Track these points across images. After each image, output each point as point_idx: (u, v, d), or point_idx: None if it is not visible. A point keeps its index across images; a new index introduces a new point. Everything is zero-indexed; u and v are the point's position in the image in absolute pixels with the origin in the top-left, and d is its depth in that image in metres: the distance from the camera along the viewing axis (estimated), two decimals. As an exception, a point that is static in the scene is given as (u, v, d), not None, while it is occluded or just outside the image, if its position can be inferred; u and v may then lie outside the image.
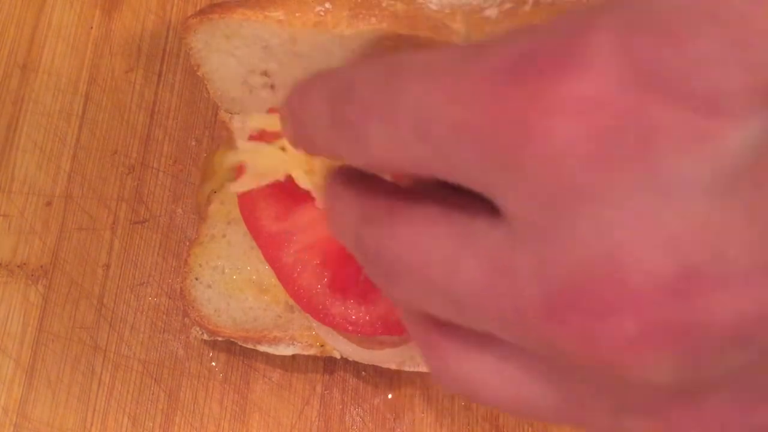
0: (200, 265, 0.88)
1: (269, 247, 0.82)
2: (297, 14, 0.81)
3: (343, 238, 0.41)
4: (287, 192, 0.85)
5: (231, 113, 0.94)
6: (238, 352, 0.91)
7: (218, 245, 0.89)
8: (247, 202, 0.84)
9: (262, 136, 0.86)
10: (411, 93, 0.31)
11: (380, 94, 0.32)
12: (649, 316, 0.25)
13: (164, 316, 0.94)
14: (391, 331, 0.78)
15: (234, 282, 0.87)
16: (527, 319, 0.29)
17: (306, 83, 0.41)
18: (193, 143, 1.02)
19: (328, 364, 0.90)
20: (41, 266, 0.96)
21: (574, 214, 0.27)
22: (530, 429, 0.87)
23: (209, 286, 0.87)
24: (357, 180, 0.40)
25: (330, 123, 0.37)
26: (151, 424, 0.89)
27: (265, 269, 0.86)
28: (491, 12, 0.77)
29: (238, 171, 0.87)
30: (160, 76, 1.06)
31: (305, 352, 0.84)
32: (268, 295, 0.86)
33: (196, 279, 0.87)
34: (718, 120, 0.25)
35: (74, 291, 0.95)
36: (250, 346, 0.86)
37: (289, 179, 0.83)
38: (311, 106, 0.39)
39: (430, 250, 0.32)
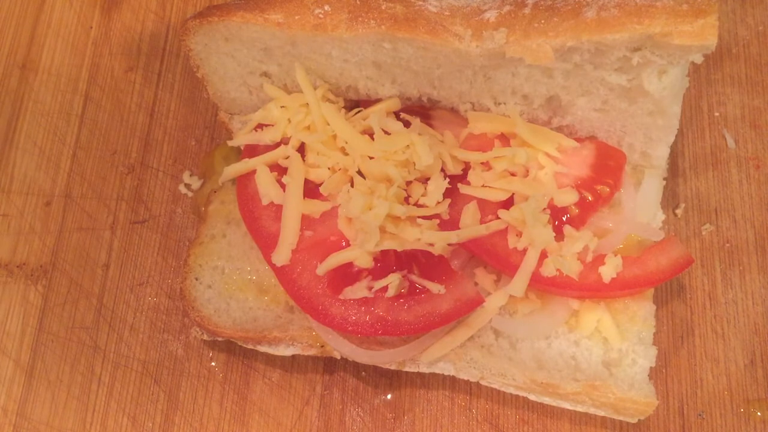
0: (200, 265, 0.88)
1: (269, 248, 0.82)
2: (296, 17, 0.80)
3: None
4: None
5: (230, 113, 0.94)
6: (238, 352, 0.91)
7: (218, 245, 0.88)
8: (246, 203, 0.85)
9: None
10: None
11: None
12: None
13: (164, 316, 0.94)
14: (391, 331, 0.78)
15: (234, 282, 0.87)
16: None
17: None
18: (193, 143, 1.02)
19: (328, 364, 0.90)
20: (41, 266, 0.96)
21: None
22: (529, 429, 0.87)
23: (209, 287, 0.87)
24: None
25: None
26: (150, 425, 0.89)
27: (265, 269, 0.85)
28: (490, 15, 0.77)
29: (243, 152, 0.87)
30: (159, 76, 1.06)
31: (305, 353, 0.84)
32: (268, 296, 0.86)
33: (196, 279, 0.87)
34: None
35: (74, 291, 0.95)
36: (250, 346, 0.86)
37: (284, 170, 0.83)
38: None
39: None
